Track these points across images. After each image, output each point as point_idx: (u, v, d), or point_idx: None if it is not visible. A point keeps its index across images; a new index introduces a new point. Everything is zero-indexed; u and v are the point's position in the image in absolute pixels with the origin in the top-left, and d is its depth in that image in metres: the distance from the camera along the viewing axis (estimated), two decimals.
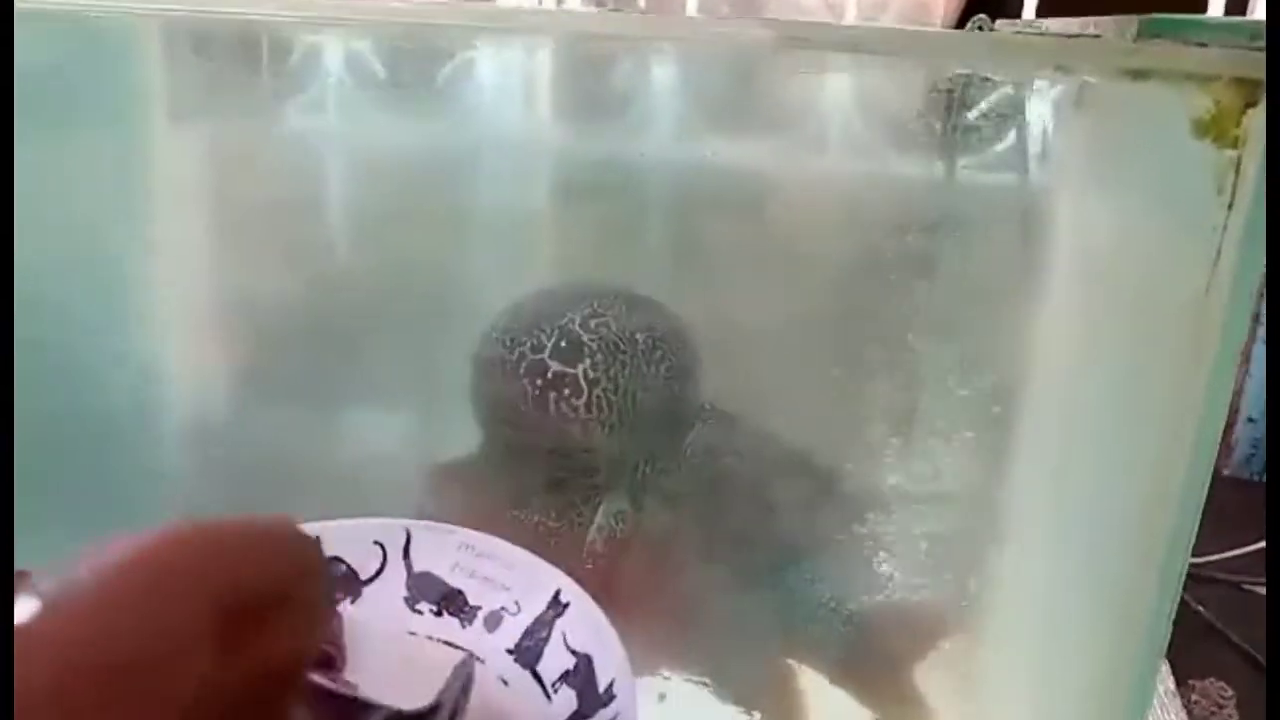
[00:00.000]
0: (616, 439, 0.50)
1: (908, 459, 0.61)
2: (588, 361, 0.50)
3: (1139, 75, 0.40)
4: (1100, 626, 0.52)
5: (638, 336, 0.53)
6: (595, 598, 0.40)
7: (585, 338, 0.50)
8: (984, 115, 0.53)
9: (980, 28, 0.62)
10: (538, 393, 0.50)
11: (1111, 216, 0.49)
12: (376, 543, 0.44)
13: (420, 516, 0.45)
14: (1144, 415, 0.49)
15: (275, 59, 0.71)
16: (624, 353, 0.51)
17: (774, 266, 0.67)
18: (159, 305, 0.79)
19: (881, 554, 0.60)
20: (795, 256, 0.67)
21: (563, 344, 0.50)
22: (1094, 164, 0.51)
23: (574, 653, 0.40)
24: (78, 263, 0.70)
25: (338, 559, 0.42)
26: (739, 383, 0.64)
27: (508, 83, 0.70)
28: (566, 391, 0.50)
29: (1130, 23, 0.41)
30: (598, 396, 0.50)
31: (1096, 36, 0.43)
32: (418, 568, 0.43)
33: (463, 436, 0.61)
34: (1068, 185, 0.53)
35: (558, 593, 0.42)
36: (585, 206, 0.71)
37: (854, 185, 0.66)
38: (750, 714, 0.56)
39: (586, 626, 0.40)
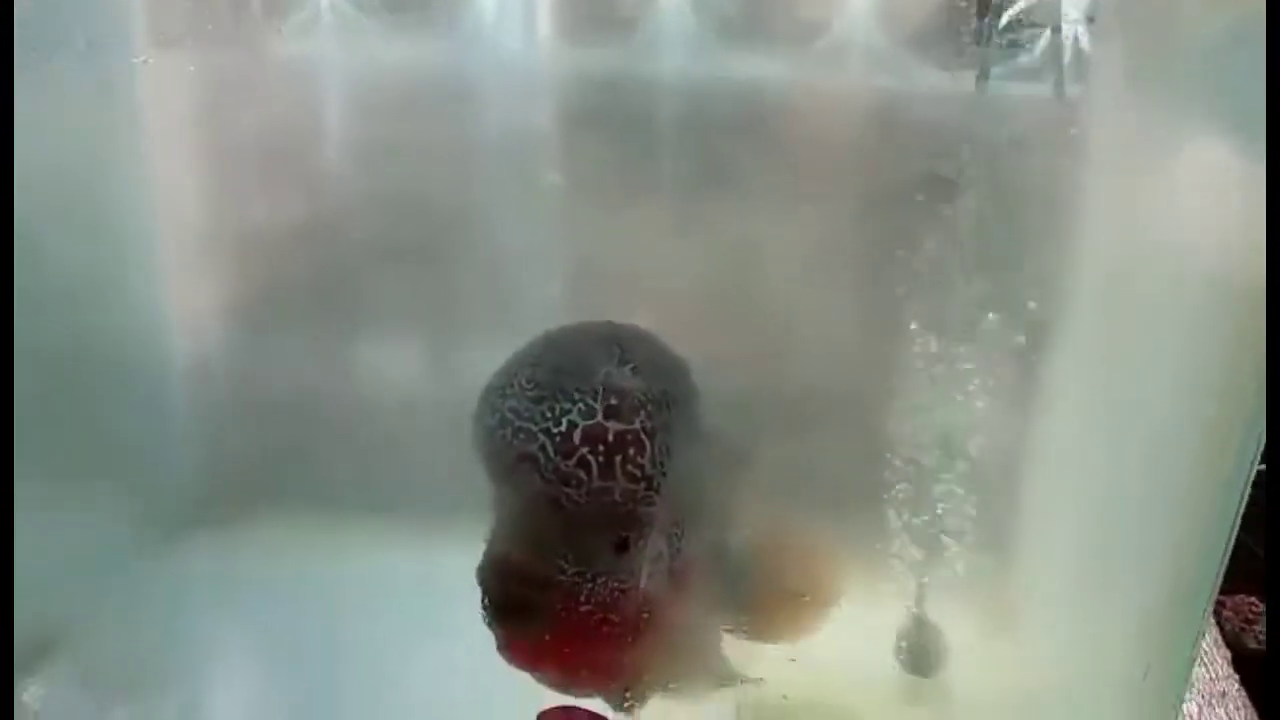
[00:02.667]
0: (667, 484, 0.47)
1: (938, 400, 0.59)
2: (642, 414, 0.46)
3: None
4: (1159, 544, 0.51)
5: (673, 374, 0.49)
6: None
7: (631, 388, 0.46)
8: (1017, 23, 0.48)
9: None
10: (603, 459, 0.45)
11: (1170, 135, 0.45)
12: None
13: None
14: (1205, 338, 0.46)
15: None
16: (666, 394, 0.47)
17: (792, 191, 0.63)
18: (155, 243, 0.77)
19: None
20: (815, 181, 0.63)
21: (612, 401, 0.45)
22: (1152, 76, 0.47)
23: None
24: (68, 202, 0.67)
25: None
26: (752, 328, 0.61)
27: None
28: (632, 451, 0.45)
29: None
30: (659, 446, 0.46)
31: None
32: None
33: (473, 368, 0.58)
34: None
35: None
36: (593, 127, 0.67)
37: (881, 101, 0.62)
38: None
39: None
